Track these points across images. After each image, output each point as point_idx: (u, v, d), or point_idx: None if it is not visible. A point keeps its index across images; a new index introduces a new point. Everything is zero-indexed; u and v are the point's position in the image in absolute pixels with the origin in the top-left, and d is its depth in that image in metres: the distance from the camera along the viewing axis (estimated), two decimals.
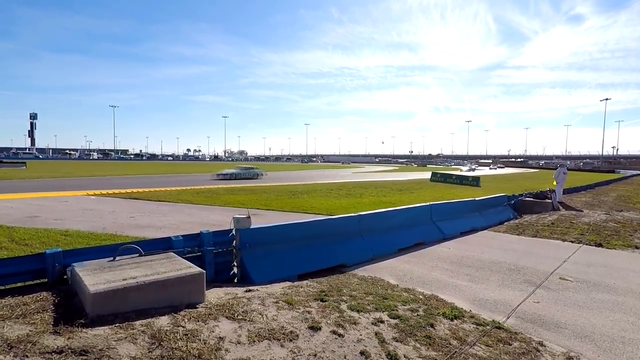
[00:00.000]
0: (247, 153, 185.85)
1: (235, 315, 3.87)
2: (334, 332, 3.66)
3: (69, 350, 2.92)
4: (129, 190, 19.27)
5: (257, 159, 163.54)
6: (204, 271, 4.24)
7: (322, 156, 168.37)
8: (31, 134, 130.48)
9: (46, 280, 4.33)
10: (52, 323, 3.41)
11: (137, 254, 4.63)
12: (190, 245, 5.20)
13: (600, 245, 8.97)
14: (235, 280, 5.55)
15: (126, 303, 3.66)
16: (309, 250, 6.33)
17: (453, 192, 21.92)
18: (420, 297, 5.09)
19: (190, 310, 3.93)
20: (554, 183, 18.21)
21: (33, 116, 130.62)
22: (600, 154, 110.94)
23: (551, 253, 8.13)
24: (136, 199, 16.15)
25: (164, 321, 3.59)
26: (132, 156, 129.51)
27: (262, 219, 10.66)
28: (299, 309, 4.21)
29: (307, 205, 14.49)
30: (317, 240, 6.61)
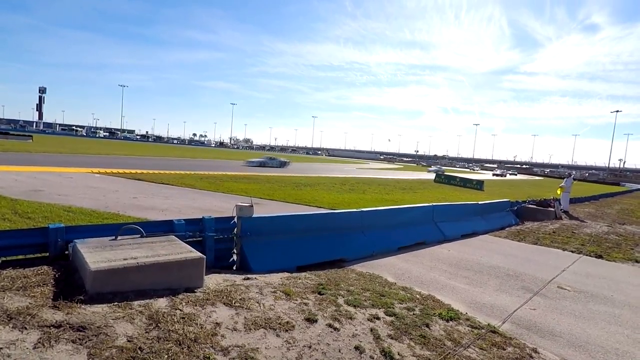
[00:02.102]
0: (252, 142, 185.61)
1: (233, 302, 3.89)
2: (329, 326, 3.68)
3: (67, 325, 2.95)
4: (133, 171, 19.35)
5: (262, 148, 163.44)
6: (204, 256, 4.26)
7: (327, 150, 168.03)
8: (39, 108, 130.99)
9: (48, 254, 4.36)
10: (51, 297, 3.44)
11: (139, 235, 4.66)
12: (192, 230, 5.22)
13: (600, 256, 8.93)
14: (235, 268, 5.58)
15: (126, 283, 3.69)
16: (309, 243, 6.35)
17: (456, 195, 21.86)
18: (417, 296, 5.10)
19: (189, 294, 3.95)
20: (558, 192, 18.09)
21: (42, 90, 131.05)
22: (607, 165, 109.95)
23: (551, 261, 8.11)
24: (140, 179, 16.22)
25: (162, 303, 3.62)
26: (138, 137, 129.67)
27: (264, 209, 10.68)
28: (296, 300, 4.23)
29: (310, 198, 14.51)
30: (318, 233, 6.62)
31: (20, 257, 4.36)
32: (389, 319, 4.08)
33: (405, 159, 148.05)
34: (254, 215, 5.68)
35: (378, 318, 4.05)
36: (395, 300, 4.68)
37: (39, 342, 2.68)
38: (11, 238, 4.24)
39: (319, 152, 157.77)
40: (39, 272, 3.97)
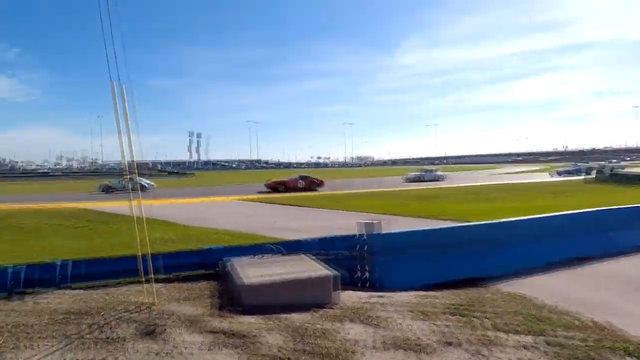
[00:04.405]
0: (372, 158, 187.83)
1: (369, 320, 3.90)
2: (476, 353, 3.33)
3: (231, 332, 3.41)
4: (269, 196, 21.68)
5: (384, 163, 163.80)
6: (337, 273, 4.42)
7: (449, 158, 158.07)
8: (197, 149, 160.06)
9: (211, 271, 5.18)
10: (217, 307, 4.05)
11: (277, 254, 5.14)
12: (322, 248, 5.49)
13: None
14: (366, 285, 5.61)
15: (272, 297, 4.09)
16: (442, 259, 5.97)
17: (622, 196, 17.67)
18: (589, 323, 4.21)
19: (326, 310, 4.13)
20: None
21: (198, 135, 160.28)
22: None
23: None
24: (275, 203, 18.02)
25: (303, 318, 3.86)
26: (272, 165, 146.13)
27: (390, 225, 10.56)
28: (435, 321, 3.98)
29: (438, 211, 13.74)
30: (451, 248, 6.17)
31: (192, 273, 5.30)
32: (551, 349, 3.47)
33: (541, 158, 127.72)
34: (381, 232, 5.67)
35: (536, 348, 3.48)
36: (558, 327, 3.97)
37: (211, 345, 3.17)
38: (186, 257, 5.21)
39: (443, 160, 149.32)
40: (206, 286, 4.73)
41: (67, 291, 4.59)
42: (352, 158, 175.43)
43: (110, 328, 3.48)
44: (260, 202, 19.00)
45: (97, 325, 3.55)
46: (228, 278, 4.86)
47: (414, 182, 33.04)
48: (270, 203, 18.25)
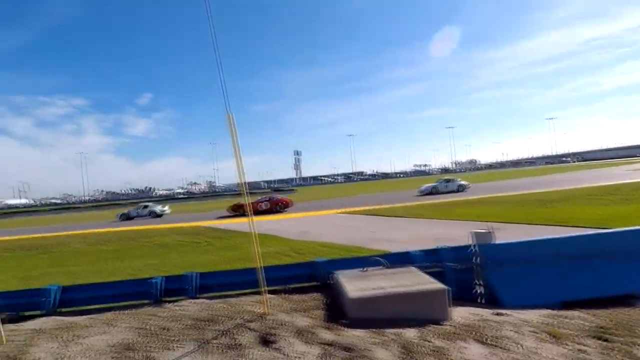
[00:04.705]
0: (477, 162, 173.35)
1: (485, 339, 3.54)
2: None
3: (337, 345, 3.45)
4: (368, 208, 21.64)
5: (490, 166, 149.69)
6: (448, 288, 4.14)
7: (575, 154, 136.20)
8: (297, 166, 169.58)
9: (317, 283, 5.36)
10: (324, 319, 4.15)
11: (382, 266, 5.05)
12: (429, 260, 5.23)
13: None
14: (480, 301, 5.13)
15: (378, 310, 4.02)
16: (575, 273, 5.12)
17: None
18: None
19: (436, 326, 3.89)
20: None
21: (298, 153, 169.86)
22: None
23: None
24: (374, 214, 17.90)
25: (411, 333, 3.70)
26: (368, 176, 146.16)
27: (505, 234, 9.54)
28: (567, 344, 3.43)
29: (564, 216, 11.93)
30: (587, 260, 5.26)
31: (298, 285, 5.55)
32: None
33: None
34: (496, 242, 5.15)
35: None
36: None
37: (320, 356, 3.24)
38: (292, 270, 5.50)
39: (567, 158, 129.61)
40: (313, 297, 4.89)
41: (196, 300, 5.24)
42: (456, 163, 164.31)
43: (232, 335, 3.84)
44: (356, 214, 19.10)
45: (220, 332, 3.95)
46: (334, 290, 4.95)
47: (429, 195, 27.79)
48: (366, 215, 18.21)
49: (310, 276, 5.48)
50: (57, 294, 5.40)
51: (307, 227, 15.15)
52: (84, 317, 4.94)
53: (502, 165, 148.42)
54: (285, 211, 24.81)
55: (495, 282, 5.00)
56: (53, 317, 5.03)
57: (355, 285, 4.37)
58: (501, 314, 4.33)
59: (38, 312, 5.27)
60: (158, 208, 30.99)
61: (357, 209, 21.86)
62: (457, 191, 28.34)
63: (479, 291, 5.20)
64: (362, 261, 5.26)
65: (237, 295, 5.29)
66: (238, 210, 24.42)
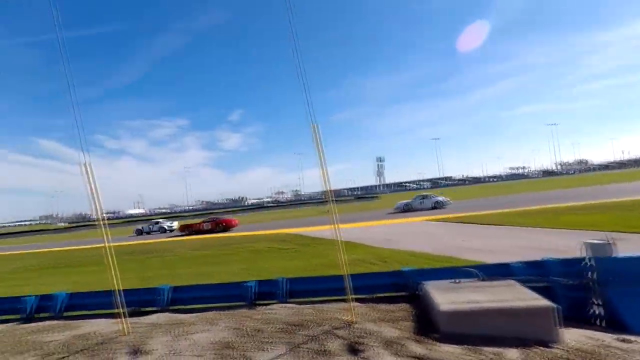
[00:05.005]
0: (588, 162, 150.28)
1: None
2: None
3: None
4: (455, 215, 20.34)
5: (607, 167, 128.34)
6: (556, 305, 3.66)
7: None
8: (380, 173, 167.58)
9: (405, 293, 5.19)
10: (412, 331, 3.99)
11: (476, 278, 4.68)
12: (533, 274, 4.70)
13: None
14: (598, 323, 4.42)
15: (472, 326, 3.73)
16: None
17: None
18: None
19: (543, 349, 3.46)
20: None
21: (380, 159, 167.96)
22: None
23: None
24: (462, 222, 16.73)
25: (513, 354, 3.35)
26: (456, 182, 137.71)
27: (630, 245, 8.11)
28: None
29: None
30: None
31: (386, 294, 5.43)
32: None
33: None
34: (618, 255, 4.41)
35: None
36: None
37: None
38: (381, 278, 5.42)
39: None
40: (401, 308, 4.75)
41: (286, 305, 5.48)
42: (561, 164, 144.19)
43: (320, 341, 3.92)
44: (446, 221, 18.06)
45: (309, 337, 4.06)
46: (423, 302, 4.74)
47: (403, 212, 25.87)
48: (457, 222, 17.10)
49: (398, 285, 5.33)
50: (169, 293, 6.13)
51: (393, 234, 14.81)
52: (190, 314, 5.53)
53: (621, 165, 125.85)
54: (231, 231, 25.83)
55: (619, 302, 4.26)
56: (165, 314, 5.73)
57: (446, 297, 4.12)
58: (629, 341, 3.68)
59: (154, 309, 6.04)
60: (167, 224, 34.78)
61: (446, 215, 20.70)
62: (434, 208, 26.12)
63: (596, 312, 4.48)
64: (454, 272, 4.94)
65: (324, 302, 5.39)
66: (184, 230, 27.64)
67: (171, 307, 6.07)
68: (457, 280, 4.70)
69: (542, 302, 3.71)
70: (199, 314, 5.52)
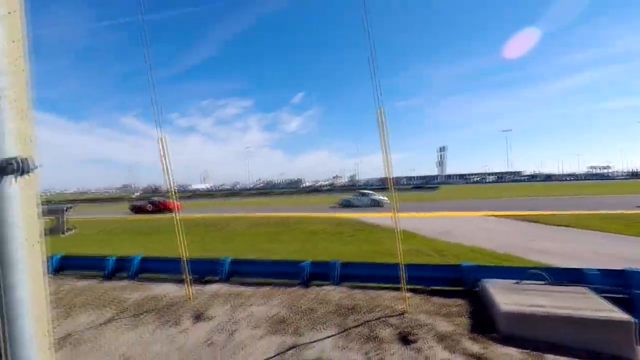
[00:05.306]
0: None
1: None
2: None
3: (485, 359, 3.17)
4: (522, 213, 18.94)
5: None
6: (637, 321, 3.31)
7: None
8: (441, 163, 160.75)
9: (461, 288, 5.01)
10: (468, 329, 3.86)
11: (542, 282, 4.38)
12: (610, 283, 4.27)
13: None
14: None
15: (535, 331, 3.52)
16: None
17: None
18: None
19: None
20: None
21: (442, 149, 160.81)
22: None
23: None
24: (530, 221, 15.54)
25: None
26: (526, 177, 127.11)
27: None
28: None
29: None
30: None
31: (442, 287, 5.30)
32: None
33: None
34: None
35: None
36: None
37: None
38: (437, 271, 5.28)
39: None
40: (456, 303, 4.61)
41: (338, 287, 5.58)
42: None
43: (372, 327, 3.96)
44: (509, 218, 16.91)
45: (361, 322, 4.12)
46: (481, 299, 4.56)
47: (345, 207, 27.76)
48: (522, 220, 15.93)
49: (454, 280, 5.16)
50: (229, 265, 6.56)
51: (450, 227, 14.26)
52: (248, 288, 5.88)
53: None
54: (169, 212, 27.09)
55: None
56: (226, 285, 6.15)
57: (507, 297, 3.92)
58: None
59: (215, 278, 6.51)
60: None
61: (509, 212, 19.37)
62: (371, 205, 28.06)
63: None
64: (517, 272, 4.65)
65: (376, 289, 5.40)
66: (134, 210, 30.56)
67: (231, 279, 6.49)
68: (520, 281, 4.43)
69: (620, 314, 3.38)
70: (255, 288, 5.85)
